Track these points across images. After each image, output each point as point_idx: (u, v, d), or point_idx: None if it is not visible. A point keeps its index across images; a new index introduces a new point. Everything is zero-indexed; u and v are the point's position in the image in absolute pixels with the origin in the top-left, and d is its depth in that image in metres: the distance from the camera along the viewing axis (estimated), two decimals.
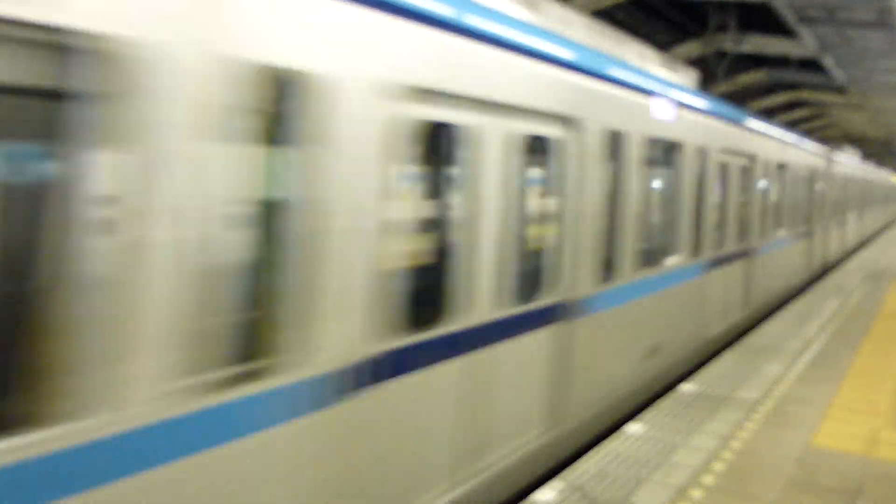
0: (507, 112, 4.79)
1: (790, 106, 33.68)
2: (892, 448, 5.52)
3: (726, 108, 9.85)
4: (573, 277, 5.65)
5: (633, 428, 5.81)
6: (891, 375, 7.55)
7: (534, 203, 5.38)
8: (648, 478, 4.84)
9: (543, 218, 5.50)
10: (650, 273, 7.30)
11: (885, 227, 38.99)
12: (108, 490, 2.58)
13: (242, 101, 2.98)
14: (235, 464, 3.04)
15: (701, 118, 8.66)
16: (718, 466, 5.05)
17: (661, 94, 7.38)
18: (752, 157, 10.85)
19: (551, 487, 4.65)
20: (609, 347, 6.44)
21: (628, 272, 6.71)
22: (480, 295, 4.61)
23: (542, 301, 5.31)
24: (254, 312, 3.19)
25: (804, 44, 18.53)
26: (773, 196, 12.30)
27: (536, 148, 5.27)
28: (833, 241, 19.67)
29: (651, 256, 7.42)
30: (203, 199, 2.84)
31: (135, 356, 2.65)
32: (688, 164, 8.22)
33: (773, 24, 18.25)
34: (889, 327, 10.11)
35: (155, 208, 2.69)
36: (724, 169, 9.61)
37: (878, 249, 23.41)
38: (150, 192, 2.66)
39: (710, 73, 22.41)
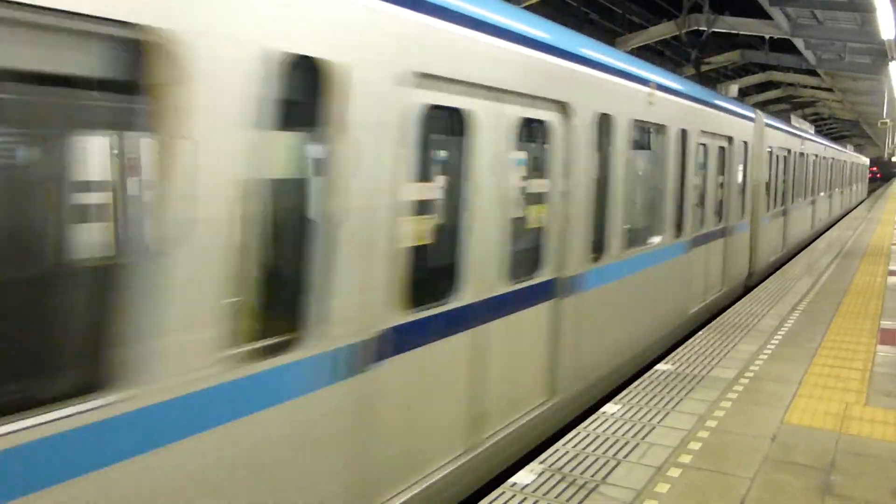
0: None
1: (762, 86, 33.87)
2: (864, 423, 5.61)
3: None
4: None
5: (610, 409, 5.84)
6: (861, 351, 7.67)
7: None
8: (626, 458, 4.87)
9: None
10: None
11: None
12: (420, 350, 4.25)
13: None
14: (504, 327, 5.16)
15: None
16: (695, 446, 5.10)
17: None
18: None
19: (530, 470, 4.66)
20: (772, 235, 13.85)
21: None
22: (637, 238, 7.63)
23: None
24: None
25: (777, 24, 18.63)
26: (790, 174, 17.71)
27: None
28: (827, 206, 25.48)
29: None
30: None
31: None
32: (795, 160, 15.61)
33: (746, 5, 18.30)
34: (859, 303, 10.28)
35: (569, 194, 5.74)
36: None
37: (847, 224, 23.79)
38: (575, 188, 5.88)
39: (685, 54, 22.39)
